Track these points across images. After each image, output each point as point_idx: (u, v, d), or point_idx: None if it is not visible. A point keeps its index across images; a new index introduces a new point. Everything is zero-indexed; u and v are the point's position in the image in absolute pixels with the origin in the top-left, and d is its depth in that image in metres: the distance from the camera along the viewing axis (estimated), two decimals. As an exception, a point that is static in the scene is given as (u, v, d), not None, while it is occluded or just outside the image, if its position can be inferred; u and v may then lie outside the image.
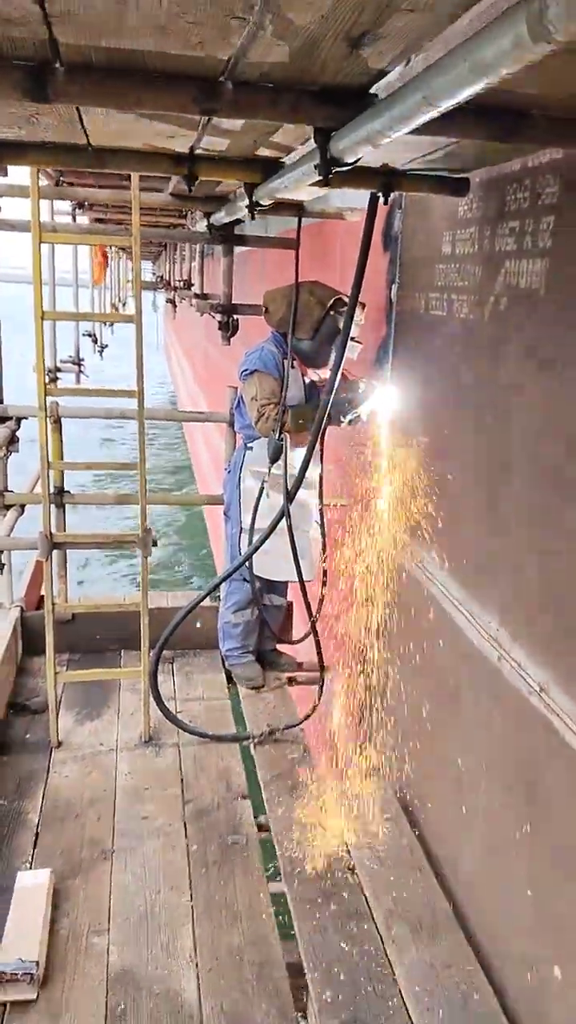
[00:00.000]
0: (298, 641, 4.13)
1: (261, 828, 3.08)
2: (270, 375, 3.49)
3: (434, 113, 1.19)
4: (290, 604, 4.18)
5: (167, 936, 2.54)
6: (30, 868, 2.79)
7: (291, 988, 2.39)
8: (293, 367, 3.47)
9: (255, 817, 3.12)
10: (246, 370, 3.57)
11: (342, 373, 3.55)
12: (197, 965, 2.44)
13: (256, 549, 3.13)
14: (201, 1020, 2.26)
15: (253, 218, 2.74)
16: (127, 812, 3.12)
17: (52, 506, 3.84)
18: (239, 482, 3.72)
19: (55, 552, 3.70)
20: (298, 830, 2.96)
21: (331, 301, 3.36)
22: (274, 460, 3.42)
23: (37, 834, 2.98)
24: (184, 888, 2.74)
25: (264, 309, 3.57)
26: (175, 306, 13.80)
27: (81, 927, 2.57)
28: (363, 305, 3.22)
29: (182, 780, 3.34)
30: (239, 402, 3.71)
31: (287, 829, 2.98)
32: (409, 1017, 2.24)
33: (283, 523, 3.12)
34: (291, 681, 4.15)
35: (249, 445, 3.70)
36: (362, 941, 2.49)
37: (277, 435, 3.38)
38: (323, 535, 3.78)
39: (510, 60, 0.90)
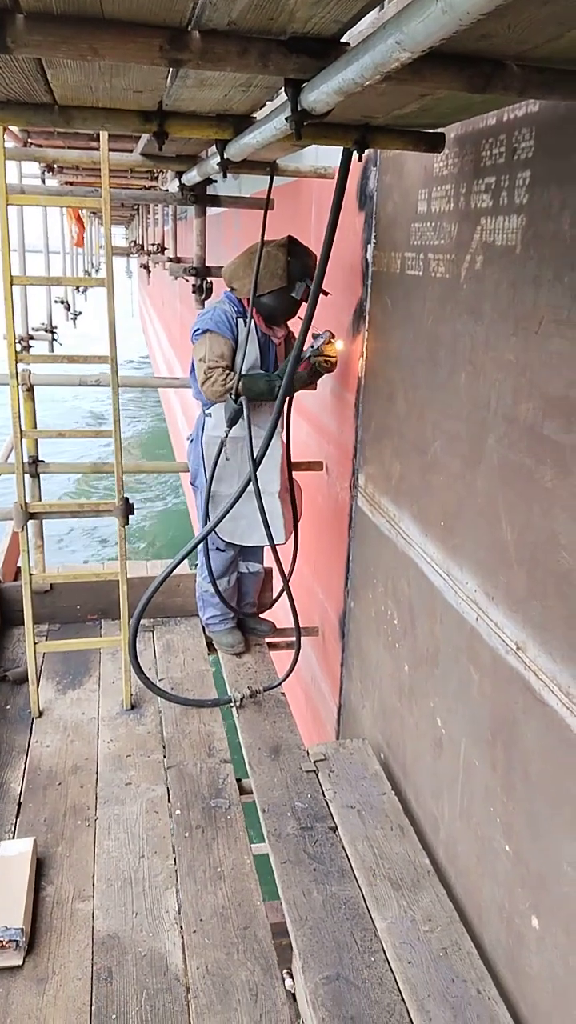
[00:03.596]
0: (273, 602, 4.14)
1: (244, 791, 3.10)
2: (220, 335, 3.41)
3: (407, 58, 1.16)
4: (268, 570, 4.18)
5: (151, 900, 2.57)
6: (13, 837, 2.80)
7: (276, 948, 2.42)
8: (247, 323, 3.40)
9: (238, 780, 3.14)
10: (197, 330, 3.49)
11: (290, 332, 3.52)
12: (182, 927, 2.47)
13: (223, 516, 3.11)
14: (187, 981, 2.29)
15: (225, 176, 2.68)
16: (110, 779, 3.13)
17: (26, 476, 3.80)
18: (202, 450, 3.67)
19: (31, 522, 3.66)
20: (280, 790, 2.99)
21: (286, 241, 3.29)
22: (231, 424, 3.37)
23: (20, 804, 2.98)
24: (168, 852, 2.77)
25: (229, 287, 3.48)
26: (149, 271, 13.61)
27: (66, 894, 2.58)
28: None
29: (164, 746, 3.35)
30: (192, 366, 3.61)
31: (270, 790, 3.00)
32: (391, 971, 2.29)
33: (250, 487, 3.11)
34: (271, 646, 4.17)
35: (207, 411, 3.63)
36: (345, 899, 2.53)
37: (233, 399, 3.33)
38: (293, 497, 3.75)
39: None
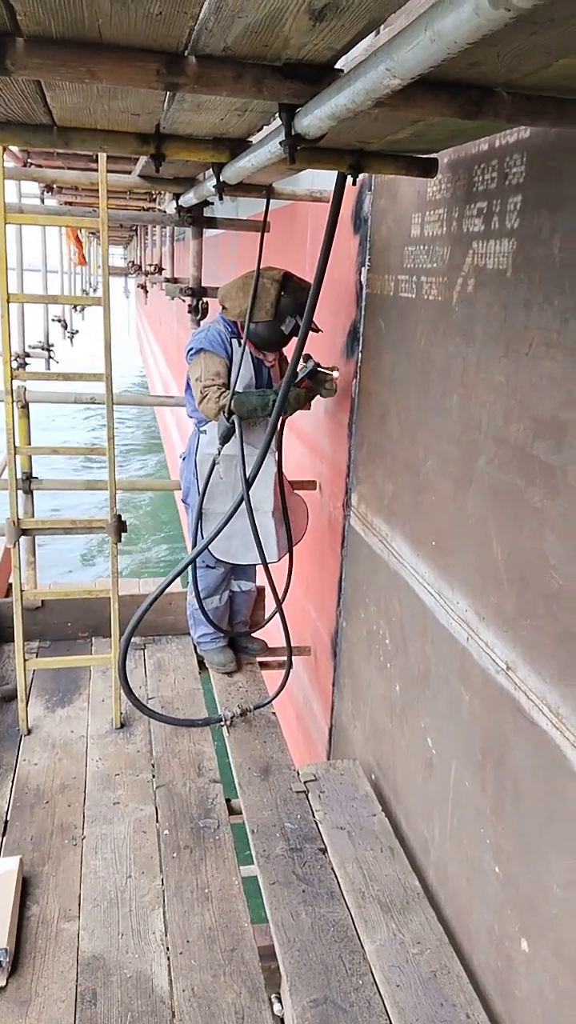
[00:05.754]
0: (266, 622, 4.13)
1: (233, 811, 3.08)
2: (215, 355, 3.45)
3: (397, 84, 1.18)
4: (261, 589, 4.18)
5: (137, 920, 2.54)
6: (-1, 855, 2.78)
7: (264, 972, 2.39)
8: (241, 345, 3.43)
9: (227, 800, 3.12)
10: (191, 349, 3.53)
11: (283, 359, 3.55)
12: (168, 949, 2.44)
13: (216, 535, 3.10)
14: (172, 1004, 2.26)
15: (221, 199, 2.72)
16: (98, 798, 3.11)
17: (19, 492, 3.80)
18: (195, 468, 3.68)
19: (23, 539, 3.66)
20: (270, 810, 2.97)
21: (280, 277, 3.33)
22: (224, 442, 3.39)
23: (6, 822, 2.95)
24: (155, 872, 2.74)
25: (221, 307, 3.52)
26: (146, 292, 13.70)
27: (51, 914, 2.55)
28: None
29: (153, 765, 3.33)
30: (188, 385, 3.64)
31: (259, 811, 2.98)
32: (380, 994, 2.26)
33: (243, 505, 3.11)
34: (263, 665, 4.16)
35: (202, 429, 3.65)
36: (333, 921, 2.51)
37: (226, 417, 3.35)
38: (287, 516, 3.76)
39: (469, 28, 0.89)
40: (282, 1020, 2.32)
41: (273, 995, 2.36)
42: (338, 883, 2.67)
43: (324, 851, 2.81)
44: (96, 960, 2.39)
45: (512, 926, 2.13)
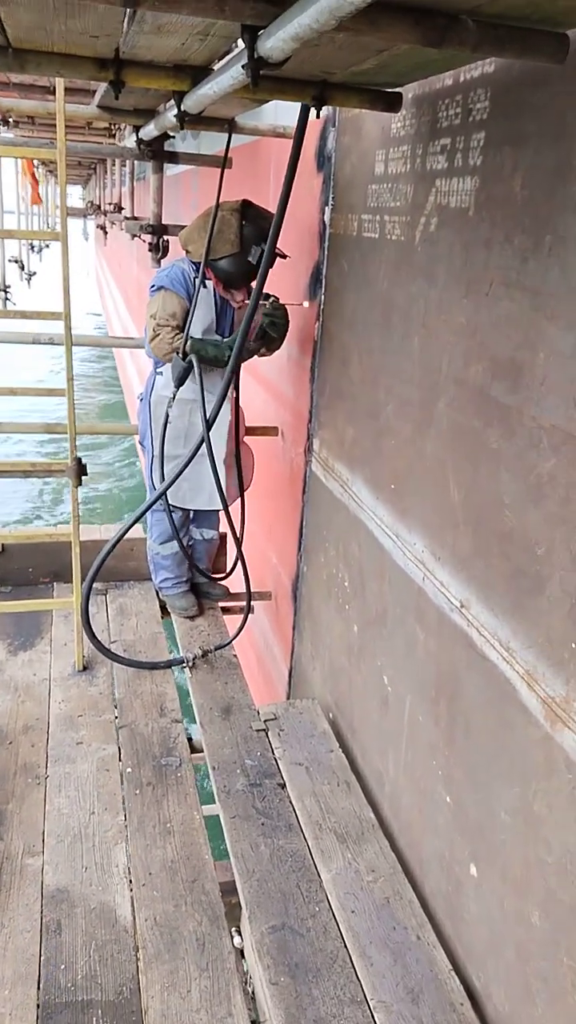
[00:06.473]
0: (230, 572, 4.15)
1: (195, 750, 3.13)
2: (175, 294, 3.38)
3: (360, 2, 1.15)
4: (223, 535, 4.19)
5: (101, 855, 2.59)
6: (-39, 794, 2.80)
7: (224, 905, 2.46)
8: (205, 287, 3.37)
9: (189, 740, 3.17)
10: (153, 286, 3.47)
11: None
12: (131, 881, 2.49)
13: (176, 478, 3.08)
14: (135, 932, 2.32)
15: (182, 127, 2.64)
16: (61, 738, 3.13)
17: (-23, 434, 3.73)
18: (150, 410, 3.65)
19: (-19, 481, 3.61)
20: (230, 748, 3.03)
21: (239, 206, 3.25)
22: (179, 384, 3.34)
23: (-32, 762, 2.97)
24: (118, 809, 2.79)
25: (185, 251, 3.43)
26: (106, 233, 13.36)
27: (15, 849, 2.59)
28: None
29: (116, 706, 3.36)
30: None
31: (220, 749, 3.04)
32: (335, 920, 2.35)
33: (202, 450, 3.09)
34: (225, 611, 4.19)
35: (159, 370, 3.60)
36: (291, 852, 2.58)
37: (182, 357, 3.28)
38: (239, 464, 3.75)
39: None
40: (241, 952, 2.40)
41: (233, 928, 2.44)
42: (296, 816, 2.74)
43: (283, 786, 2.88)
44: (60, 893, 2.43)
45: (462, 852, 2.22)
